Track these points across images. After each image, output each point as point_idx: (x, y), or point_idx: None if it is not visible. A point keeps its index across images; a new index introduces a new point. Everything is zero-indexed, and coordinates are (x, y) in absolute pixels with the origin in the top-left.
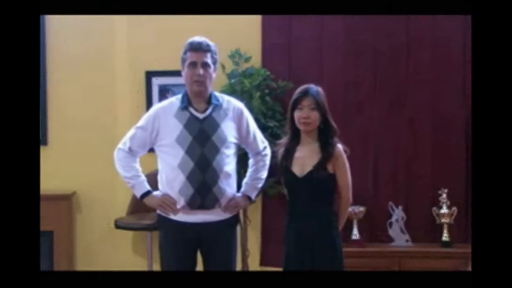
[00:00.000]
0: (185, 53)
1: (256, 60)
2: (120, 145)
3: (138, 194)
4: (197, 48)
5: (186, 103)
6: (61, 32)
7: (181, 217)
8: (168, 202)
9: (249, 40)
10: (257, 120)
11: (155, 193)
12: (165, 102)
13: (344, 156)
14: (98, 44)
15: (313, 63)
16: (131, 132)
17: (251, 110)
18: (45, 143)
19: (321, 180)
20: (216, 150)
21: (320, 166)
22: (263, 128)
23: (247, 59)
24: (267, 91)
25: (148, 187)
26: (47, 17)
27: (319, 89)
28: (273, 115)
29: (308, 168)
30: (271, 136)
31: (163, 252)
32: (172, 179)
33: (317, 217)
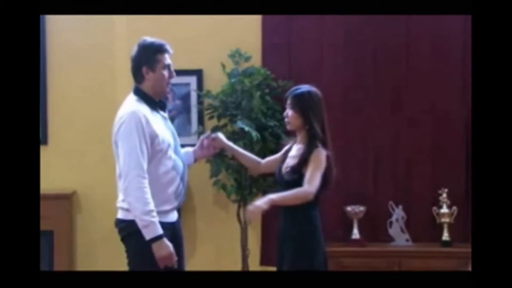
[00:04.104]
0: (155, 53)
1: (256, 60)
2: (139, 172)
3: (150, 237)
4: (169, 51)
5: (154, 103)
6: (61, 31)
7: (166, 218)
8: (173, 262)
9: (249, 40)
10: (257, 119)
11: (166, 241)
12: (133, 107)
13: (321, 160)
14: (99, 43)
15: (313, 62)
16: (135, 155)
17: (251, 109)
18: (46, 143)
19: (293, 182)
20: (180, 148)
21: (295, 168)
22: (263, 128)
23: (247, 59)
24: (267, 90)
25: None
26: (47, 16)
27: (311, 91)
28: (273, 114)
29: (287, 169)
30: (271, 135)
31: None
32: (166, 182)
33: (289, 215)
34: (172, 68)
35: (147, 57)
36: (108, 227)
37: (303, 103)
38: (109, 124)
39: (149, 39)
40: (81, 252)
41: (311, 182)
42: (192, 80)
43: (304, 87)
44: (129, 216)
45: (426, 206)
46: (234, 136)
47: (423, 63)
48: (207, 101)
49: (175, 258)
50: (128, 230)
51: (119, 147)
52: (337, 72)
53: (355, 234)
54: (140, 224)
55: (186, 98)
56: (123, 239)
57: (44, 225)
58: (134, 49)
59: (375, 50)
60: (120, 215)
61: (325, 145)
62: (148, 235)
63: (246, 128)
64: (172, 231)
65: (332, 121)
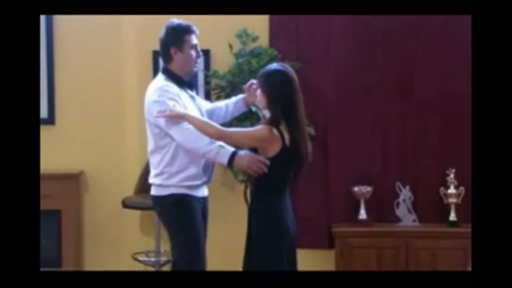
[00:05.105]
0: (183, 34)
1: (263, 40)
2: (182, 127)
3: (227, 158)
4: (195, 31)
5: (182, 82)
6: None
7: (197, 192)
8: (259, 159)
9: (256, 20)
10: None
11: (240, 152)
12: (161, 82)
13: (258, 132)
14: (105, 22)
15: (321, 43)
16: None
17: None
18: (53, 123)
19: None
20: None
21: (251, 148)
22: None
23: (254, 39)
24: None
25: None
26: None
27: (278, 70)
28: None
29: None
30: None
31: (192, 229)
32: (195, 157)
33: (256, 202)
34: (199, 48)
35: (175, 38)
36: (115, 206)
37: (266, 82)
38: (116, 104)
39: (176, 20)
40: (88, 231)
41: (230, 130)
42: (199, 60)
43: (272, 66)
44: (161, 192)
45: (434, 187)
46: (241, 116)
47: (432, 45)
48: (214, 81)
49: (261, 158)
50: (161, 206)
51: (157, 121)
52: (345, 52)
53: (362, 214)
54: (211, 156)
55: (193, 78)
56: (159, 215)
57: (51, 205)
58: (161, 31)
59: (384, 31)
60: (153, 191)
61: (291, 127)
62: (223, 159)
63: (254, 109)
64: (203, 205)
65: (340, 102)
